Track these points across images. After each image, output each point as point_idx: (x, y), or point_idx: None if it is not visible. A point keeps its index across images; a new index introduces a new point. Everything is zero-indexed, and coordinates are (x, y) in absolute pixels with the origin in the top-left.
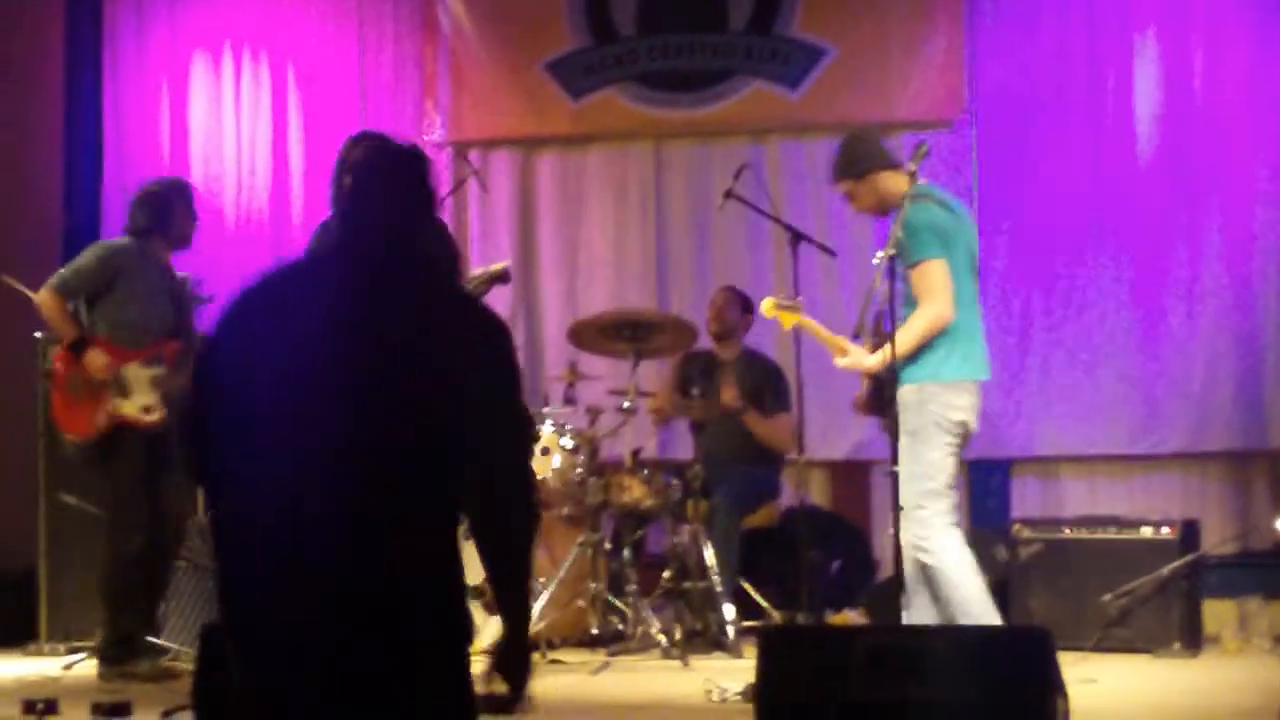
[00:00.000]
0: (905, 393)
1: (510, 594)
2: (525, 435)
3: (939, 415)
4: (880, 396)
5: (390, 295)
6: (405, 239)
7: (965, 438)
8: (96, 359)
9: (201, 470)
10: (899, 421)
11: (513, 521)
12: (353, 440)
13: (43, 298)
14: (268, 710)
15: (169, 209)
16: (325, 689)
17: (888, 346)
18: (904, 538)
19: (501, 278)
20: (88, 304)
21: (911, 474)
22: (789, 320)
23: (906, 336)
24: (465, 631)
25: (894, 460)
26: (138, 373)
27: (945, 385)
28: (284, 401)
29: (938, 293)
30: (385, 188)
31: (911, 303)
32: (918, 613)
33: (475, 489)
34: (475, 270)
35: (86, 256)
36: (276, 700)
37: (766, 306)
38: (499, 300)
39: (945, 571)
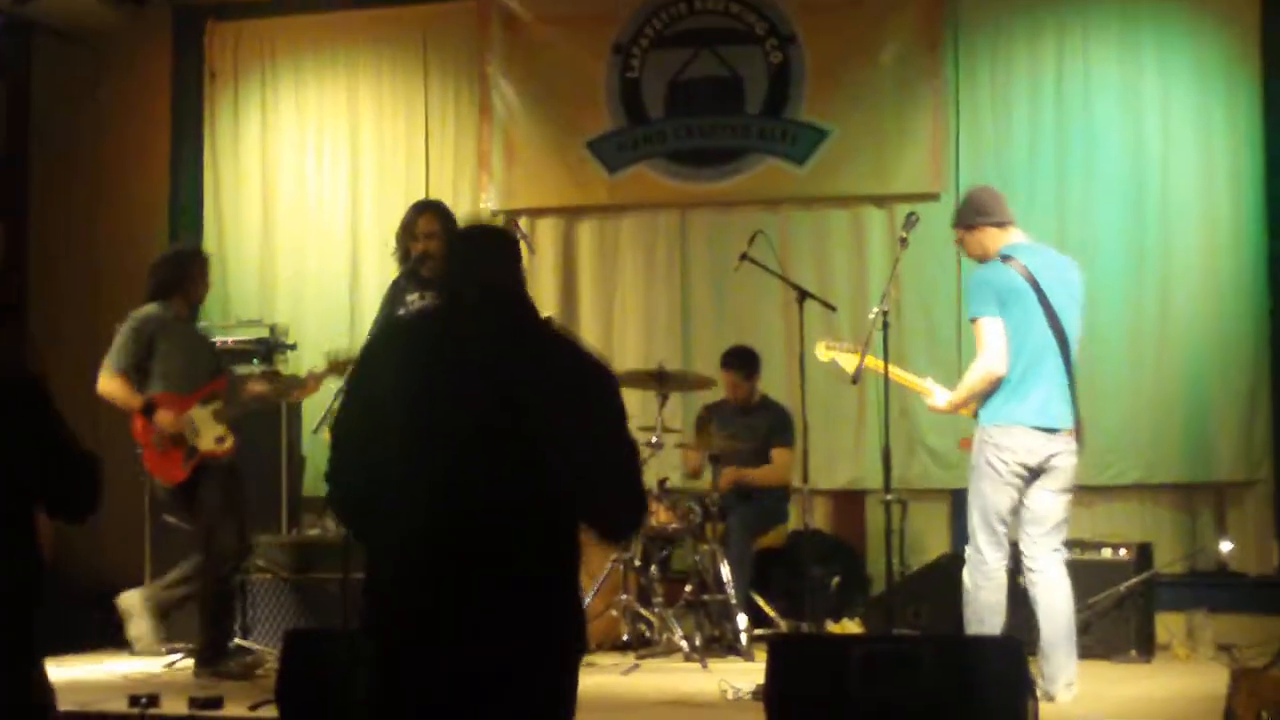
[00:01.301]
0: (976, 432)
1: None
2: (636, 463)
3: (991, 455)
4: None
5: (519, 344)
6: (521, 297)
7: (1026, 477)
8: (165, 416)
9: (345, 510)
10: None
11: (618, 539)
12: (488, 469)
13: (106, 385)
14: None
15: (188, 275)
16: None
17: (954, 391)
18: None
19: None
20: (138, 370)
21: (969, 504)
22: (852, 364)
23: (962, 384)
24: (580, 637)
25: (886, 490)
26: (201, 412)
27: (999, 428)
28: (433, 432)
29: (985, 347)
30: (496, 254)
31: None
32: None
33: (593, 511)
34: None
35: (124, 333)
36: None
37: (821, 353)
38: None
39: (973, 606)
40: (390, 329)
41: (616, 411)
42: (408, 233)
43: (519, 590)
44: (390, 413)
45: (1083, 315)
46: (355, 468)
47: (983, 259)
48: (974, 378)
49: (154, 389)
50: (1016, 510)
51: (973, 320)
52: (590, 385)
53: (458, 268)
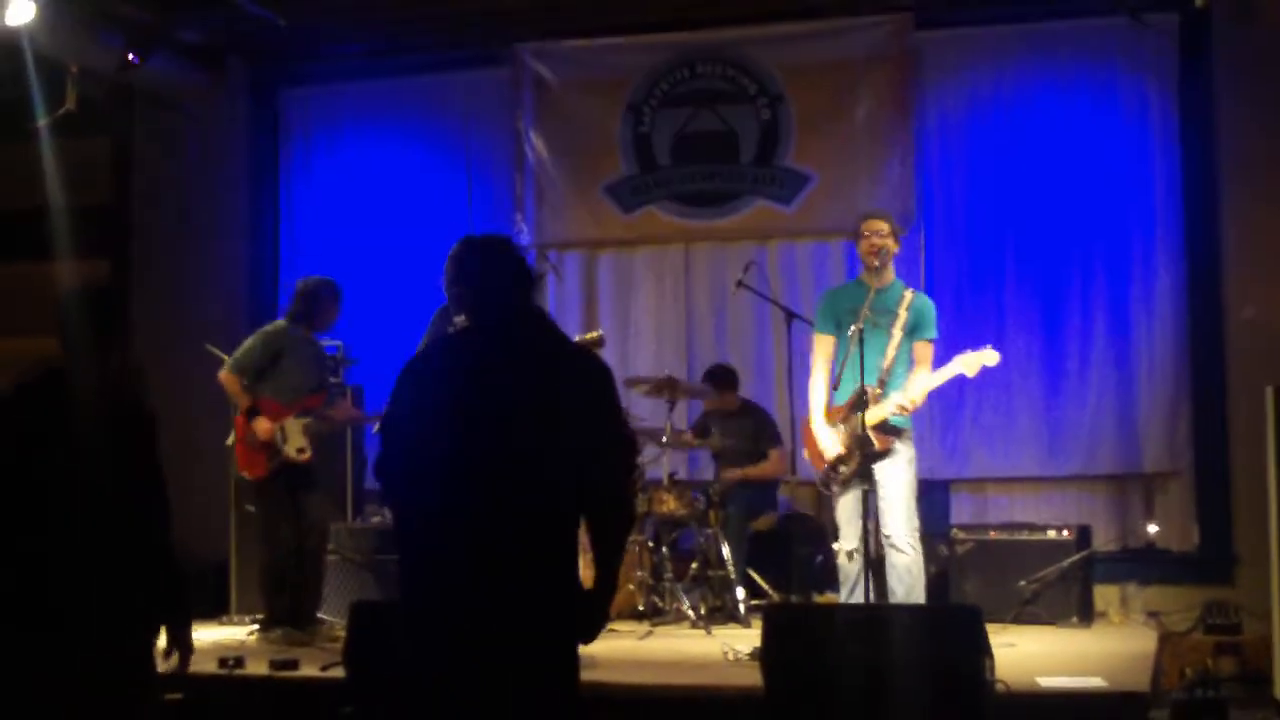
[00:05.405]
0: (907, 432)
1: (606, 568)
2: (626, 454)
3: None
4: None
5: (521, 354)
6: (525, 310)
7: None
8: (262, 424)
9: (390, 492)
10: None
11: (612, 521)
12: (501, 463)
13: (224, 377)
14: (432, 663)
15: (320, 302)
16: (478, 658)
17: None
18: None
19: (598, 343)
20: (256, 373)
21: (910, 496)
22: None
23: (926, 385)
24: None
25: (863, 480)
26: (293, 424)
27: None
28: (453, 438)
29: (934, 365)
30: (503, 274)
31: (907, 361)
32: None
33: (589, 495)
34: (575, 338)
35: (253, 341)
36: (442, 657)
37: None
38: None
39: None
40: (432, 346)
41: (614, 408)
42: (454, 264)
43: (529, 572)
44: (430, 415)
45: None
46: (399, 460)
47: (886, 261)
48: (938, 383)
49: (264, 393)
50: None
51: (931, 340)
52: (594, 386)
53: (471, 287)
